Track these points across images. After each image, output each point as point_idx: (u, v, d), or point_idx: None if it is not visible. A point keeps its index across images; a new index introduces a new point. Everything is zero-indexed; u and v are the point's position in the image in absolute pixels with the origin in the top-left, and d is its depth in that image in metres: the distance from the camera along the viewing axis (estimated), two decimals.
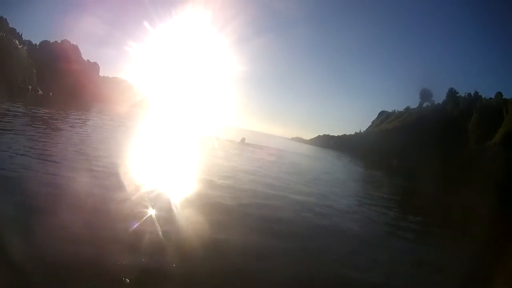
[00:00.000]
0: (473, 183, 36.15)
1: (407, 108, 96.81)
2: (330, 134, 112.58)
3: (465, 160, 51.47)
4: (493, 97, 75.65)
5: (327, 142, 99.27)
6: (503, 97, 73.98)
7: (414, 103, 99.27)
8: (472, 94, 78.12)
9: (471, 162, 51.03)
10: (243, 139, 32.44)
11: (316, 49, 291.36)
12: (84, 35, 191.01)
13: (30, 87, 68.23)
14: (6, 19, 71.06)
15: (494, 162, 49.32)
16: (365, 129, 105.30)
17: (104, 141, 12.86)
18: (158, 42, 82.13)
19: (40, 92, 66.23)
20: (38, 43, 78.37)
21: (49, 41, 78.30)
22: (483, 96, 77.26)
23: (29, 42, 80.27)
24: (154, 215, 5.06)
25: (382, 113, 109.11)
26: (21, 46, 73.42)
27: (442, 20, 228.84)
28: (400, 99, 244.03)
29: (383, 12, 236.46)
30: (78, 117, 23.08)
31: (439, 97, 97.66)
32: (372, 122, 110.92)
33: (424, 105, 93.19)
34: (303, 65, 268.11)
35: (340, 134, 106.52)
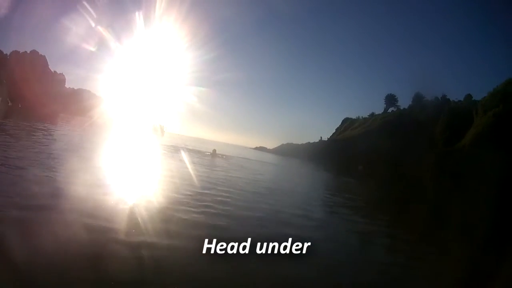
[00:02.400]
0: (441, 186, 37.55)
1: (372, 115, 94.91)
2: (294, 143, 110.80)
3: (433, 162, 53.01)
4: (462, 99, 77.56)
5: (290, 151, 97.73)
6: (473, 99, 75.60)
7: (379, 109, 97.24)
8: (439, 97, 79.40)
9: (439, 164, 52.65)
10: (214, 151, 32.42)
11: (277, 57, 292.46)
12: (51, 46, 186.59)
13: (0, 98, 65.94)
14: None
15: (463, 164, 50.96)
16: (329, 137, 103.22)
17: (64, 154, 12.60)
18: (120, 53, 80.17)
19: (10, 103, 64.18)
20: (8, 53, 76.02)
21: (19, 51, 76.16)
22: (451, 99, 78.53)
23: (0, 52, 77.65)
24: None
25: (346, 119, 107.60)
26: None
27: (406, 23, 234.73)
28: (365, 105, 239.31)
29: (342, 17, 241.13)
30: (42, 129, 22.52)
31: (406, 102, 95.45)
32: (336, 129, 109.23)
33: (390, 110, 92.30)
34: (263, 73, 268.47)
35: (304, 142, 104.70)
